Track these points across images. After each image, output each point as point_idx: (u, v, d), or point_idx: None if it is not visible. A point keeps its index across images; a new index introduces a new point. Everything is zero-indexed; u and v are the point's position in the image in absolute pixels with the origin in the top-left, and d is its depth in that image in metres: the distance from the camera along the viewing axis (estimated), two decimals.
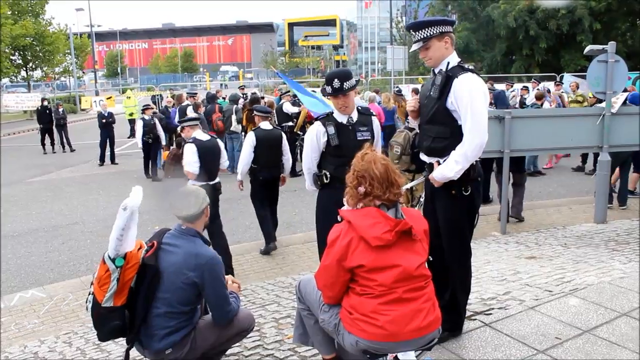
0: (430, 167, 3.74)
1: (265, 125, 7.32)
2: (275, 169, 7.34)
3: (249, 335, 4.31)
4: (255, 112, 7.68)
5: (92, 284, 3.23)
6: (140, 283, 3.21)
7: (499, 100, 9.05)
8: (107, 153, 16.37)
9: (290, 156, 7.57)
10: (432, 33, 3.58)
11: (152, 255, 3.24)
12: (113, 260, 3.12)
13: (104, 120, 16.34)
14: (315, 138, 4.22)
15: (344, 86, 4.08)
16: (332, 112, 4.28)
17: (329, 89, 4.14)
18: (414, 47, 3.71)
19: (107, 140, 16.27)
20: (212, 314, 3.37)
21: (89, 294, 3.24)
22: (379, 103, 14.28)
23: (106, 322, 3.21)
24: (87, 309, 3.28)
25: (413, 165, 6.82)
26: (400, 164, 6.57)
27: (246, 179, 7.34)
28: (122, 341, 4.63)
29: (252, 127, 8.52)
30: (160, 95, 24.19)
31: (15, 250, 8.27)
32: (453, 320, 3.75)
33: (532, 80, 17.86)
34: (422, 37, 3.60)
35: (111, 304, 3.14)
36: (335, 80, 4.08)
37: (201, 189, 3.50)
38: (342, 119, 4.20)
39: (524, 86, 16.94)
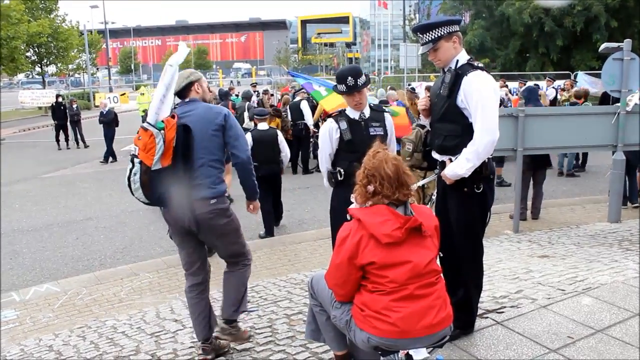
0: (442, 165, 3.74)
1: (263, 125, 8.21)
2: (274, 165, 8.12)
3: (260, 332, 4.35)
4: (254, 116, 8.54)
5: (133, 157, 3.51)
6: (180, 142, 3.54)
7: (532, 95, 8.76)
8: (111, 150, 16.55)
9: (288, 152, 8.35)
10: (441, 34, 3.56)
11: (178, 120, 3.58)
12: (154, 126, 3.46)
13: (102, 119, 16.52)
14: (328, 135, 4.23)
15: (358, 83, 4.09)
16: (345, 109, 4.29)
17: (342, 87, 4.12)
18: (422, 49, 3.69)
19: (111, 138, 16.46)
20: (235, 149, 3.78)
21: (131, 168, 3.52)
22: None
23: (158, 185, 3.54)
24: (131, 185, 3.56)
25: (425, 162, 6.81)
26: (412, 161, 6.56)
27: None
28: (134, 335, 4.70)
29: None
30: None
31: (30, 245, 8.36)
32: (465, 318, 3.75)
33: (547, 78, 17.69)
34: (430, 39, 3.59)
35: (159, 166, 3.48)
36: (350, 78, 4.07)
37: (189, 69, 3.98)
38: (354, 115, 4.20)
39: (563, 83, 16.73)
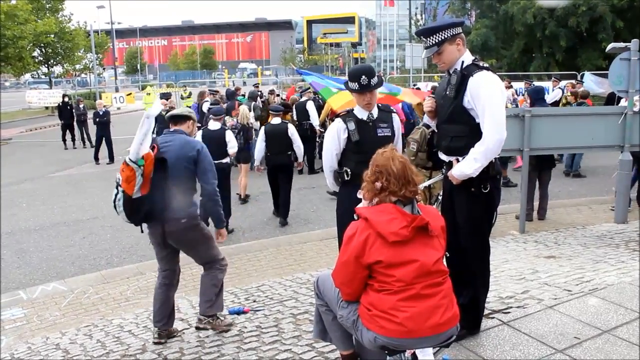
0: (449, 165, 3.74)
1: (275, 120, 9.08)
2: (285, 156, 9.00)
3: (266, 331, 4.36)
4: (270, 111, 9.54)
5: (118, 186, 4.11)
6: (156, 173, 4.15)
7: (538, 96, 8.68)
8: (106, 152, 16.53)
9: (300, 144, 9.12)
10: (444, 37, 3.56)
11: (157, 152, 4.19)
12: (135, 162, 4.00)
13: (98, 119, 16.52)
14: (336, 135, 4.22)
15: (371, 82, 4.08)
16: (353, 109, 4.28)
17: (355, 85, 4.10)
18: (426, 53, 3.68)
19: (102, 139, 16.42)
20: (202, 181, 4.46)
21: (116, 194, 4.12)
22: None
23: (140, 209, 4.14)
24: (116, 208, 4.16)
25: (430, 162, 6.81)
26: (416, 161, 6.56)
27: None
28: (140, 334, 4.72)
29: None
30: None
31: (37, 244, 8.40)
32: (471, 319, 3.74)
33: (553, 78, 17.62)
34: (434, 42, 3.59)
35: (139, 195, 4.08)
36: (363, 76, 4.06)
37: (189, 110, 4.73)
38: (362, 115, 4.20)
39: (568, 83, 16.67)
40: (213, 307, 4.58)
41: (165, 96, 15.84)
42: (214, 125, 8.51)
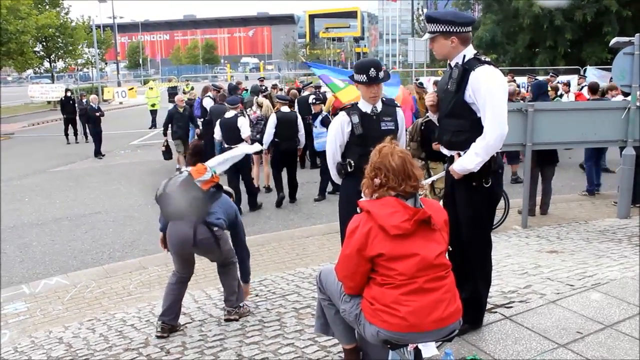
0: (451, 160, 3.73)
1: (285, 109, 9.85)
2: (293, 142, 9.76)
3: (269, 326, 4.37)
4: (277, 100, 10.43)
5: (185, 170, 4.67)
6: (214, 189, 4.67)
7: (540, 91, 8.60)
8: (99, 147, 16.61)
9: (304, 132, 9.86)
10: (439, 30, 3.61)
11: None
12: (211, 169, 4.65)
13: (92, 114, 16.55)
14: (339, 128, 4.22)
15: (379, 75, 4.09)
16: (357, 103, 4.28)
17: (363, 77, 4.10)
18: (425, 36, 3.80)
19: (100, 134, 16.54)
20: (237, 240, 4.90)
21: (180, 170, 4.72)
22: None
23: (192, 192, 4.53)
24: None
25: (423, 152, 6.86)
26: (410, 150, 6.57)
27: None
28: (143, 328, 4.73)
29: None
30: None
31: (40, 239, 8.42)
32: (474, 313, 3.74)
33: (550, 74, 17.56)
34: (431, 30, 3.66)
35: (199, 185, 4.53)
36: (372, 69, 4.06)
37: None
38: (366, 108, 4.19)
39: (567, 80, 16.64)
40: (239, 299, 4.78)
41: (174, 91, 15.85)
42: (229, 113, 9.37)
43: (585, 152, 9.48)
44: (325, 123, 9.18)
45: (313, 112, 11.16)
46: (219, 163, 4.92)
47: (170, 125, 12.65)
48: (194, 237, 4.45)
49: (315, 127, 10.12)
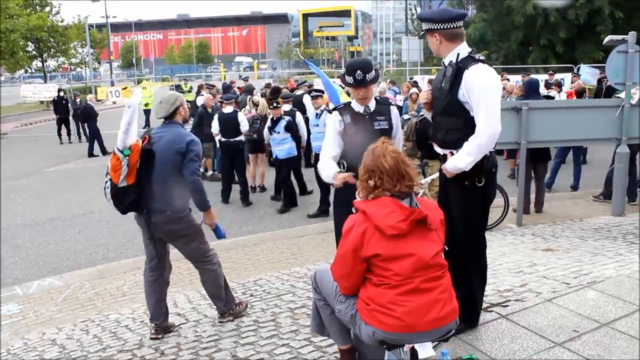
0: (444, 158, 3.72)
1: (286, 107, 10.09)
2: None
3: (264, 326, 4.34)
4: (281, 98, 10.68)
5: (107, 174, 4.20)
6: (143, 164, 4.17)
7: (532, 89, 8.60)
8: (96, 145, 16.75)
9: (305, 130, 9.96)
10: (423, 28, 3.67)
11: (147, 143, 4.26)
12: (122, 151, 4.07)
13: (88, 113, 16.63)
14: (332, 127, 4.19)
15: (367, 78, 4.02)
16: (350, 102, 4.25)
17: (350, 79, 4.05)
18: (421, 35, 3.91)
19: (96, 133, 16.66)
20: (184, 166, 4.33)
21: (106, 182, 4.20)
22: (396, 93, 14.39)
23: (124, 198, 4.20)
24: (105, 195, 4.23)
25: (419, 151, 6.85)
26: (405, 150, 6.56)
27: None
28: (137, 329, 4.70)
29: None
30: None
31: (33, 239, 8.37)
32: (469, 312, 3.73)
33: (549, 72, 17.60)
34: (420, 29, 3.79)
35: (125, 184, 4.13)
36: (358, 71, 4.00)
37: (175, 94, 4.61)
38: (359, 108, 4.16)
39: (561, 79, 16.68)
40: (228, 303, 4.67)
41: (178, 89, 15.80)
42: (227, 109, 9.88)
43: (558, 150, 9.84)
44: (289, 128, 9.36)
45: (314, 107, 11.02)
46: (124, 137, 4.13)
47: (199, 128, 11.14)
48: (148, 222, 4.37)
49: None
